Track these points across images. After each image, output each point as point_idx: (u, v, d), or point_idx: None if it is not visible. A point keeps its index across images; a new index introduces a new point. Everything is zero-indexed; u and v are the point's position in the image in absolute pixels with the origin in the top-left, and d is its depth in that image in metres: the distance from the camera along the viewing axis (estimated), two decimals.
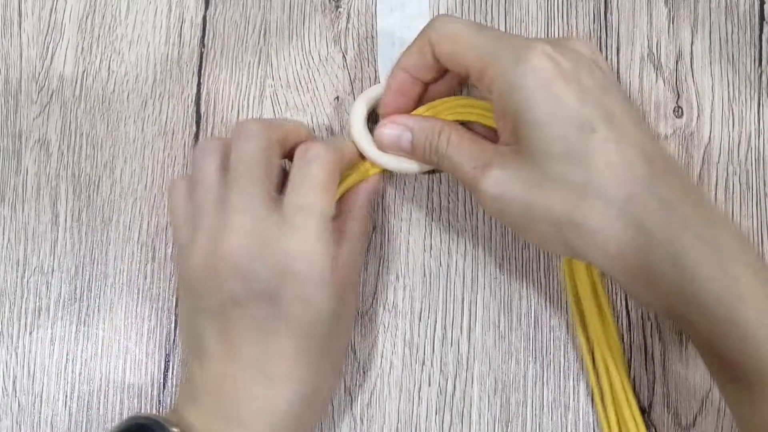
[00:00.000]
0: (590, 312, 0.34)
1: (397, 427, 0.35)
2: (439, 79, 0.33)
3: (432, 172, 0.36)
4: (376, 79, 0.37)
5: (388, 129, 0.33)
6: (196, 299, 0.31)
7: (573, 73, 0.28)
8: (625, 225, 0.28)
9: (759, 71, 0.37)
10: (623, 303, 0.35)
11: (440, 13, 0.37)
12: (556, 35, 0.37)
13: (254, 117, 0.37)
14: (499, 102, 0.29)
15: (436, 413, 0.35)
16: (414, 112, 0.34)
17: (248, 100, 0.37)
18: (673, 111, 0.37)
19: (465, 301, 0.36)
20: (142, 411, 0.35)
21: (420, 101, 0.34)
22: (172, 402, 0.35)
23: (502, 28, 0.37)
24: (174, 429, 0.28)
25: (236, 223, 0.30)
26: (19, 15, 0.38)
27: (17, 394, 0.36)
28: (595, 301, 0.34)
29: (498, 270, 0.36)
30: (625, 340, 0.35)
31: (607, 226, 0.28)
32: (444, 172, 0.36)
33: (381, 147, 0.34)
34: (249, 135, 0.31)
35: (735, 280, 0.27)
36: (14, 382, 0.36)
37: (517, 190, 0.29)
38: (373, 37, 0.38)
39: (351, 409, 0.35)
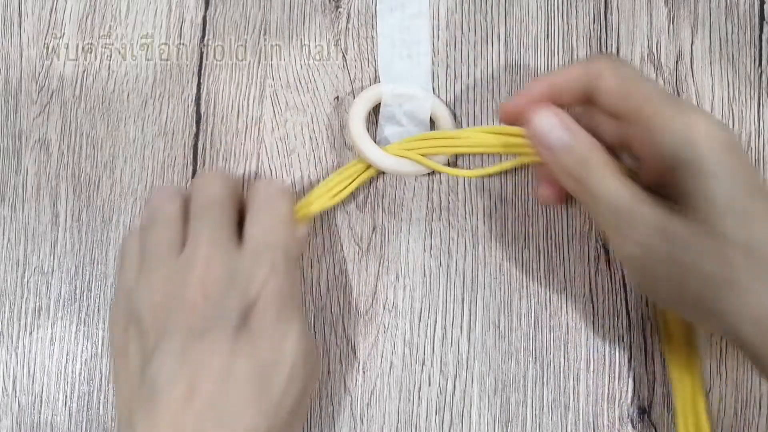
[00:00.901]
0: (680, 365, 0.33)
1: (397, 427, 0.35)
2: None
3: (429, 174, 0.36)
4: (376, 79, 0.37)
5: (546, 118, 0.31)
6: (153, 339, 0.29)
7: (739, 144, 0.29)
8: None
9: (759, 71, 0.37)
10: (623, 303, 0.35)
11: (440, 13, 0.37)
12: (556, 35, 0.37)
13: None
14: (660, 150, 0.29)
15: (436, 413, 0.35)
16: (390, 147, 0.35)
17: (248, 100, 0.37)
18: None
19: (465, 301, 0.36)
20: None
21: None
22: None
23: (502, 28, 0.37)
24: None
25: (207, 254, 0.30)
26: (19, 15, 0.38)
27: (17, 394, 0.36)
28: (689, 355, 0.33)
29: (498, 270, 0.36)
30: (625, 340, 0.35)
31: (765, 289, 0.27)
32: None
33: (529, 125, 0.31)
34: (214, 180, 0.32)
35: None
36: (14, 382, 0.36)
37: (678, 240, 0.28)
38: (373, 37, 0.38)
39: (351, 409, 0.35)
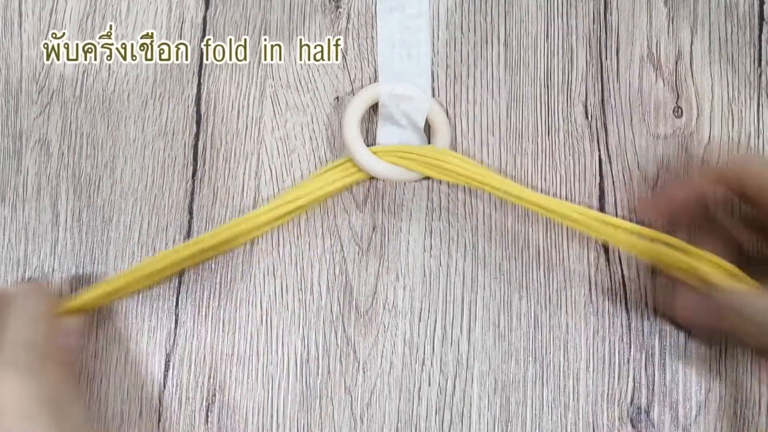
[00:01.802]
0: None
1: (397, 426, 0.35)
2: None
3: (426, 178, 0.36)
4: (376, 79, 0.37)
5: (684, 309, 0.34)
6: None
7: None
8: None
9: (758, 71, 0.37)
10: (623, 303, 0.35)
11: (440, 13, 0.37)
12: (556, 36, 0.37)
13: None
14: None
15: (436, 413, 0.35)
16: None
17: (248, 100, 0.37)
18: (673, 111, 0.37)
19: (465, 301, 0.36)
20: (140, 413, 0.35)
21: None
22: (172, 401, 0.35)
23: (502, 29, 0.37)
24: None
25: None
26: (20, 15, 0.38)
27: None
28: None
29: (498, 270, 0.36)
30: (625, 340, 0.35)
31: None
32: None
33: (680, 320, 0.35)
34: None
35: None
36: None
37: None
38: (373, 37, 0.38)
39: (351, 409, 0.35)
